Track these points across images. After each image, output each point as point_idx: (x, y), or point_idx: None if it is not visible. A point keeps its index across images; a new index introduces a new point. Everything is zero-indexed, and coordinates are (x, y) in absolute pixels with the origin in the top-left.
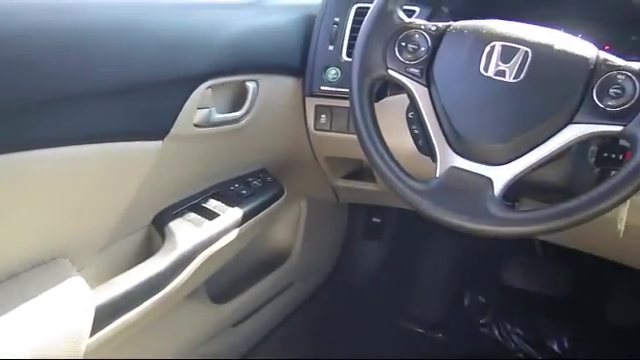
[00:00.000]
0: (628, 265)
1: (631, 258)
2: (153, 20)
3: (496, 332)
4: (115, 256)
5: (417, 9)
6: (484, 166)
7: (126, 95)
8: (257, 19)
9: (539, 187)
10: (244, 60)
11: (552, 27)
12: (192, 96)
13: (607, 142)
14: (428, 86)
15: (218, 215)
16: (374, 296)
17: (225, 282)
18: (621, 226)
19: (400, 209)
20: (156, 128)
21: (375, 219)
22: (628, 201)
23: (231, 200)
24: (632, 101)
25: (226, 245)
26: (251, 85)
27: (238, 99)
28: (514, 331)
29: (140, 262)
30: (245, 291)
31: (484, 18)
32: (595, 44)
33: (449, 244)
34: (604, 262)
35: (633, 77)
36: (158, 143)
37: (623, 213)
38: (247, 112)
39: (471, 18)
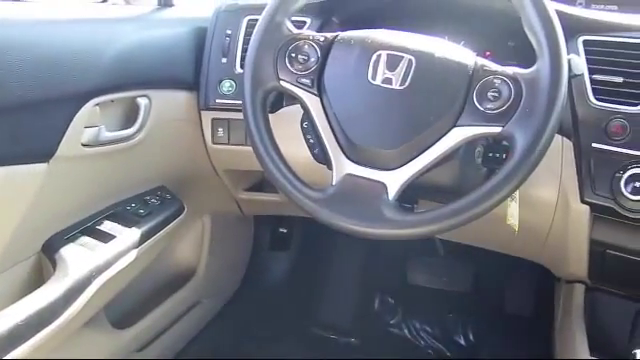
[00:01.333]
0: (521, 257)
1: (523, 251)
2: (28, 37)
3: (406, 331)
4: (2, 288)
5: (308, 20)
6: (378, 172)
7: (3, 117)
8: (145, 33)
9: (433, 188)
10: (132, 75)
11: (437, 36)
12: (78, 115)
13: (491, 143)
14: (320, 96)
15: (114, 237)
16: (285, 306)
17: (127, 306)
18: (514, 221)
19: (306, 218)
20: (40, 150)
21: (282, 229)
22: (517, 197)
23: (128, 220)
24: (508, 103)
25: (124, 268)
26: (142, 101)
27: (129, 116)
28: (423, 328)
29: (30, 292)
30: (149, 313)
31: (373, 28)
32: (477, 51)
33: (356, 249)
34: (502, 256)
35: (508, 81)
36: (43, 166)
37: (514, 209)
38: (140, 129)
39: (361, 28)
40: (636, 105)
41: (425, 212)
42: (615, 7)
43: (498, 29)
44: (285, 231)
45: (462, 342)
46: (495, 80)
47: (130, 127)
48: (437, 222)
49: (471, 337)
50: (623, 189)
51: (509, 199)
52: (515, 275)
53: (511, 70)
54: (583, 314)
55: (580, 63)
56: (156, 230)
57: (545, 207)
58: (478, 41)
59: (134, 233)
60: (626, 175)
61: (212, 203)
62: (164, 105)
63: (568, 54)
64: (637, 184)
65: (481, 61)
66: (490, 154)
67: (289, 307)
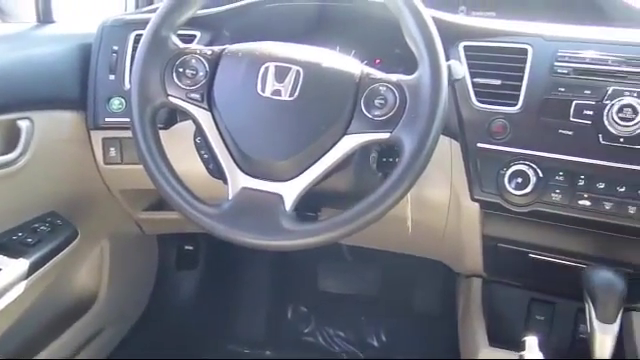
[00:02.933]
0: (422, 257)
1: (423, 250)
2: None
3: (320, 338)
4: None
5: (198, 34)
6: (273, 183)
7: None
8: (22, 52)
9: (333, 196)
10: (9, 97)
11: (330, 46)
12: None
13: (385, 148)
14: (210, 110)
15: None
16: (196, 325)
17: (19, 340)
18: (407, 222)
19: None
20: None
21: (188, 247)
22: (409, 199)
23: (14, 251)
24: (394, 109)
25: (13, 301)
26: (23, 124)
27: (10, 140)
28: (336, 334)
29: None
30: (45, 347)
31: (265, 40)
32: (367, 59)
33: (265, 260)
34: (407, 257)
35: (393, 88)
36: None
37: (407, 211)
38: (22, 153)
39: (252, 41)
40: (514, 105)
41: (322, 220)
42: (493, 14)
43: (386, 37)
44: (191, 248)
45: (375, 344)
46: (381, 87)
47: (11, 152)
48: (334, 230)
49: (383, 338)
50: (507, 185)
51: (404, 200)
52: (421, 274)
53: (395, 77)
54: (482, 307)
55: (460, 68)
56: (47, 259)
57: (439, 206)
58: (368, 50)
59: (22, 264)
60: (509, 172)
61: (110, 225)
62: (49, 126)
63: (449, 60)
64: (519, 180)
65: (367, 70)
66: (384, 159)
67: (200, 326)
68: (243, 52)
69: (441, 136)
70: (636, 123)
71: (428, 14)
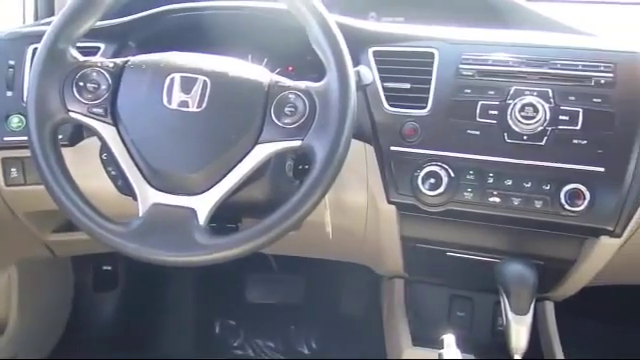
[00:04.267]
0: (345, 261)
1: (346, 254)
2: None
3: (250, 351)
4: None
5: (102, 45)
6: (185, 197)
7: None
8: None
9: (251, 206)
10: None
11: (241, 55)
12: None
13: (300, 155)
14: (115, 125)
15: None
16: (118, 349)
17: None
18: (328, 228)
19: None
20: None
21: (105, 267)
22: (328, 205)
23: None
24: (304, 117)
25: None
26: None
27: None
28: (266, 345)
29: None
30: None
31: (173, 51)
32: (280, 67)
33: (189, 275)
34: (332, 262)
35: (302, 95)
36: None
37: (326, 216)
38: None
39: (160, 51)
40: (424, 108)
41: (237, 233)
42: (402, 19)
43: (297, 45)
44: (109, 268)
45: (305, 351)
46: (290, 95)
47: None
48: (249, 241)
49: (314, 345)
50: (421, 187)
51: (323, 207)
52: (347, 278)
53: (304, 84)
54: (405, 307)
55: (369, 73)
56: None
57: (357, 211)
58: (281, 57)
59: None
60: (422, 173)
61: (16, 250)
62: None
63: (359, 65)
64: (432, 180)
65: (276, 78)
66: (300, 167)
67: (124, 348)
68: (147, 64)
69: (355, 141)
70: (537, 121)
71: (333, 20)
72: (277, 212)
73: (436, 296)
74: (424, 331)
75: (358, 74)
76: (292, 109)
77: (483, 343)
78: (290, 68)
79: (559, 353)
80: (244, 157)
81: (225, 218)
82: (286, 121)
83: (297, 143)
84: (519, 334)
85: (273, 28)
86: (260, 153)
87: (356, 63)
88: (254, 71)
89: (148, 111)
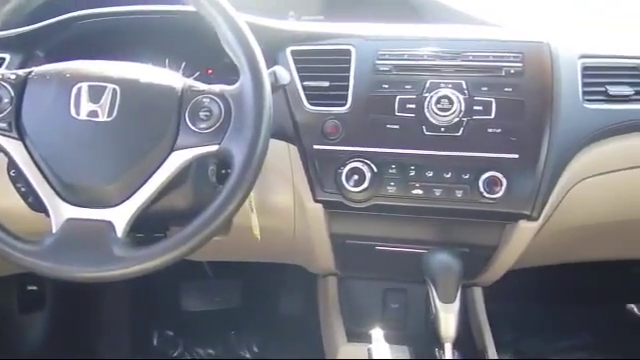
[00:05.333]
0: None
1: (278, 256)
2: None
3: None
4: None
5: (7, 56)
6: (101, 210)
7: None
8: None
9: (175, 214)
10: None
11: (157, 60)
12: None
13: (222, 160)
14: (21, 139)
15: None
16: None
17: None
18: (256, 231)
19: None
20: None
21: (31, 287)
22: (254, 207)
23: None
24: (220, 120)
25: None
26: None
27: None
28: (207, 353)
29: None
30: None
31: (84, 59)
32: (199, 70)
33: (122, 287)
34: (267, 264)
35: (216, 99)
36: None
37: (254, 219)
38: None
39: (70, 60)
40: (344, 105)
41: (157, 244)
42: (322, 17)
43: (214, 47)
44: (35, 288)
45: (248, 355)
46: (204, 99)
47: None
48: (170, 251)
49: (255, 349)
50: (345, 183)
51: (249, 210)
52: (283, 279)
53: (218, 88)
54: (339, 304)
55: (285, 73)
56: None
57: (285, 211)
58: (199, 60)
59: None
60: (346, 170)
61: None
62: None
63: (276, 65)
64: (356, 177)
65: (189, 82)
66: (223, 171)
67: None
68: (51, 74)
69: (278, 141)
70: (453, 112)
71: (243, 21)
72: (197, 219)
73: (370, 291)
74: (359, 326)
75: (274, 75)
76: (207, 113)
77: (418, 333)
78: (209, 71)
79: (488, 337)
80: (160, 165)
81: (152, 227)
82: (202, 126)
83: (214, 148)
84: (448, 322)
85: (188, 30)
86: (177, 160)
87: (274, 63)
88: (166, 76)
89: (55, 123)
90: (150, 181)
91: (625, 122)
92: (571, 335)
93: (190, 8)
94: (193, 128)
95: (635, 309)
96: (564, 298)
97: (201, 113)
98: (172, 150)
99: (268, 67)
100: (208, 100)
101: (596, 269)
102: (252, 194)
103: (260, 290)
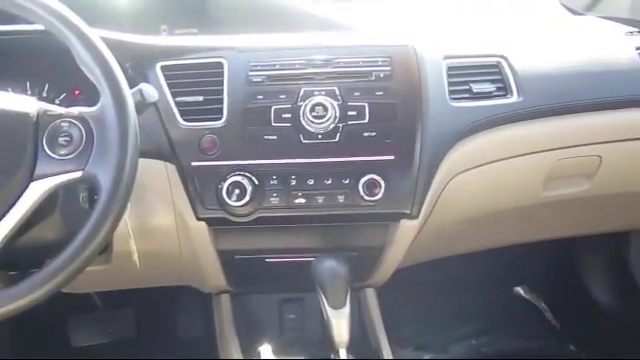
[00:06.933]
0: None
1: (169, 279)
2: None
3: None
4: None
5: None
6: None
7: None
8: None
9: (49, 246)
10: None
11: (16, 83)
12: None
13: (90, 186)
14: None
15: None
16: None
17: None
18: (135, 257)
19: None
20: None
21: None
22: (131, 233)
23: None
24: (82, 145)
25: None
26: None
27: None
28: None
29: None
30: None
31: None
32: (65, 91)
33: (5, 325)
34: (161, 288)
35: (76, 122)
36: None
37: (132, 246)
38: None
39: None
40: (219, 119)
41: (23, 281)
42: (196, 31)
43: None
44: None
45: None
46: (63, 124)
47: None
48: (37, 289)
49: None
50: (227, 199)
51: (127, 235)
52: (178, 301)
53: (77, 110)
54: (234, 322)
55: (153, 90)
56: None
57: (167, 233)
58: (63, 81)
59: None
60: (226, 185)
61: None
62: None
63: (146, 82)
64: (237, 191)
65: (45, 106)
66: (95, 196)
67: None
68: None
69: (155, 160)
70: (328, 119)
71: (98, 37)
72: (66, 251)
73: (265, 303)
74: (257, 341)
75: (140, 93)
76: (67, 138)
77: (316, 340)
78: (77, 92)
79: (382, 336)
80: (19, 197)
81: (27, 263)
82: (62, 152)
83: (78, 174)
84: (340, 327)
85: (49, 49)
86: (37, 190)
87: (144, 80)
88: (18, 102)
89: None
90: (9, 215)
91: (489, 117)
92: (467, 322)
93: (38, 27)
94: (53, 155)
95: (521, 291)
96: (456, 288)
97: (60, 138)
98: (31, 180)
99: (137, 85)
100: (67, 124)
101: (483, 257)
102: (128, 219)
103: (155, 315)
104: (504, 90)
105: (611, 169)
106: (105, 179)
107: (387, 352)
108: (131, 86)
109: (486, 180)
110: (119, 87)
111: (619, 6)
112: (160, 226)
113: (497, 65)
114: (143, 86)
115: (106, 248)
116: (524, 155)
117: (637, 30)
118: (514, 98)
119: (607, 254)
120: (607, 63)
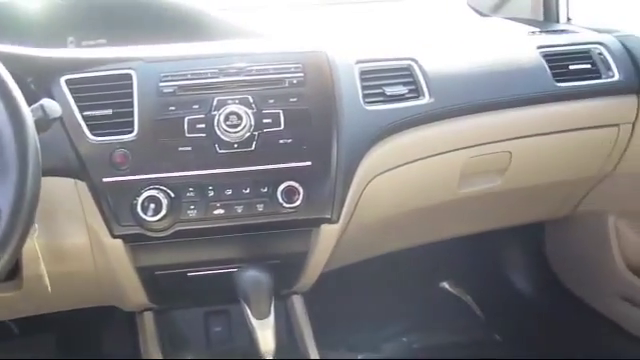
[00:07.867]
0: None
1: (88, 301)
2: None
3: None
4: None
5: None
6: None
7: None
8: None
9: None
10: None
11: None
12: None
13: None
14: None
15: None
16: None
17: None
18: (46, 281)
19: None
20: None
21: None
22: (40, 256)
23: None
24: None
25: None
26: None
27: None
28: None
29: None
30: None
31: None
32: None
33: None
34: (82, 309)
35: None
36: None
37: (42, 269)
38: None
39: None
40: (130, 133)
41: None
42: (104, 41)
43: None
44: None
45: None
46: None
47: None
48: None
49: None
50: (142, 214)
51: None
52: (101, 321)
53: None
54: (156, 339)
55: (55, 105)
56: None
57: (81, 253)
58: None
59: None
60: (141, 200)
61: None
62: None
63: (50, 97)
64: (153, 205)
65: None
66: None
67: None
68: None
69: (63, 178)
70: (243, 127)
71: None
72: None
73: (190, 318)
74: (183, 357)
75: (42, 108)
76: None
77: (244, 351)
78: None
79: (310, 341)
80: None
81: None
82: None
83: None
84: (265, 338)
85: None
86: None
87: (48, 95)
88: None
89: None
90: None
91: (403, 119)
92: (397, 320)
93: None
94: None
95: (447, 286)
96: (384, 287)
97: None
98: None
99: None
100: None
101: (408, 255)
102: (37, 240)
103: (77, 338)
104: (416, 92)
105: (521, 164)
106: (4, 202)
107: (314, 355)
108: (33, 102)
109: (404, 180)
110: (15, 104)
111: (522, 8)
112: (73, 246)
113: (408, 68)
114: (45, 102)
115: (16, 273)
116: (438, 154)
117: (538, 30)
118: (426, 99)
119: (526, 246)
120: (511, 62)
